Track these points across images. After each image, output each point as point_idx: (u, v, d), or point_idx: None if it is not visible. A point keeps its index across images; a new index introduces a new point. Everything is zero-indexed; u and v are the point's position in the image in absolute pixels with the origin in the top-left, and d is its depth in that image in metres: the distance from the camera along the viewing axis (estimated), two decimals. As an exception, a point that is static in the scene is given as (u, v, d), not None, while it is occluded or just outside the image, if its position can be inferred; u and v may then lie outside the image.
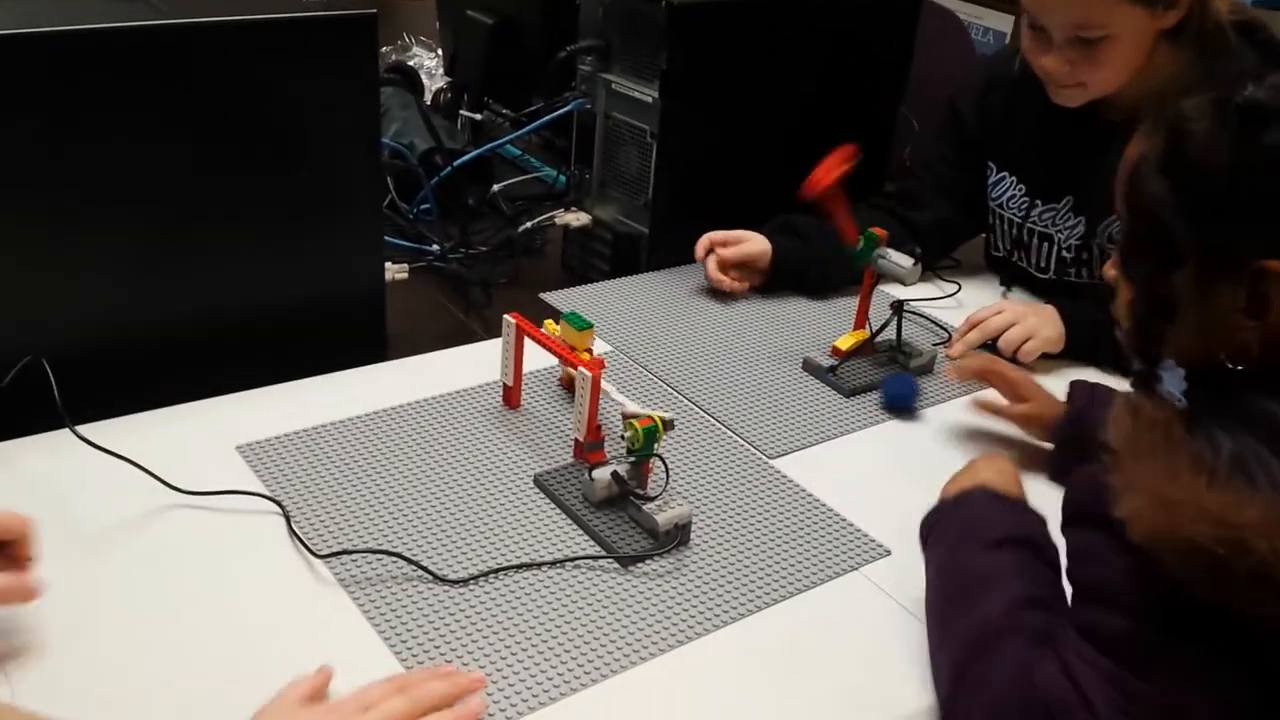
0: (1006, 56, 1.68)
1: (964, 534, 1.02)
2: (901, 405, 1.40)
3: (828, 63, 1.75)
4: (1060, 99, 1.51)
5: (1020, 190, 1.66)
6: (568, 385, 1.34)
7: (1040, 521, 1.03)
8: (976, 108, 1.70)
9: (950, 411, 1.41)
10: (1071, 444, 1.25)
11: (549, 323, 1.27)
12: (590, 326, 1.25)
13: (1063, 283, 1.64)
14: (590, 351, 1.24)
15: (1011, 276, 1.74)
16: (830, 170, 1.41)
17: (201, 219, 1.24)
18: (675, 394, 1.39)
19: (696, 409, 1.37)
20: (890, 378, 1.42)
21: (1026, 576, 0.96)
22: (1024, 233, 1.66)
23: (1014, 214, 1.67)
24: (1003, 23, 3.98)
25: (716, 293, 1.65)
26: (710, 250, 1.64)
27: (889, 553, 1.14)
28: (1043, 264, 1.66)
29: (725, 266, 1.64)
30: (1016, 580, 0.96)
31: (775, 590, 1.08)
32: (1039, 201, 1.63)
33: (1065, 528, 0.93)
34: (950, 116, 1.74)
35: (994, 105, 1.67)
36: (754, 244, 1.64)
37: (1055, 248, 1.63)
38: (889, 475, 1.28)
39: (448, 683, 0.90)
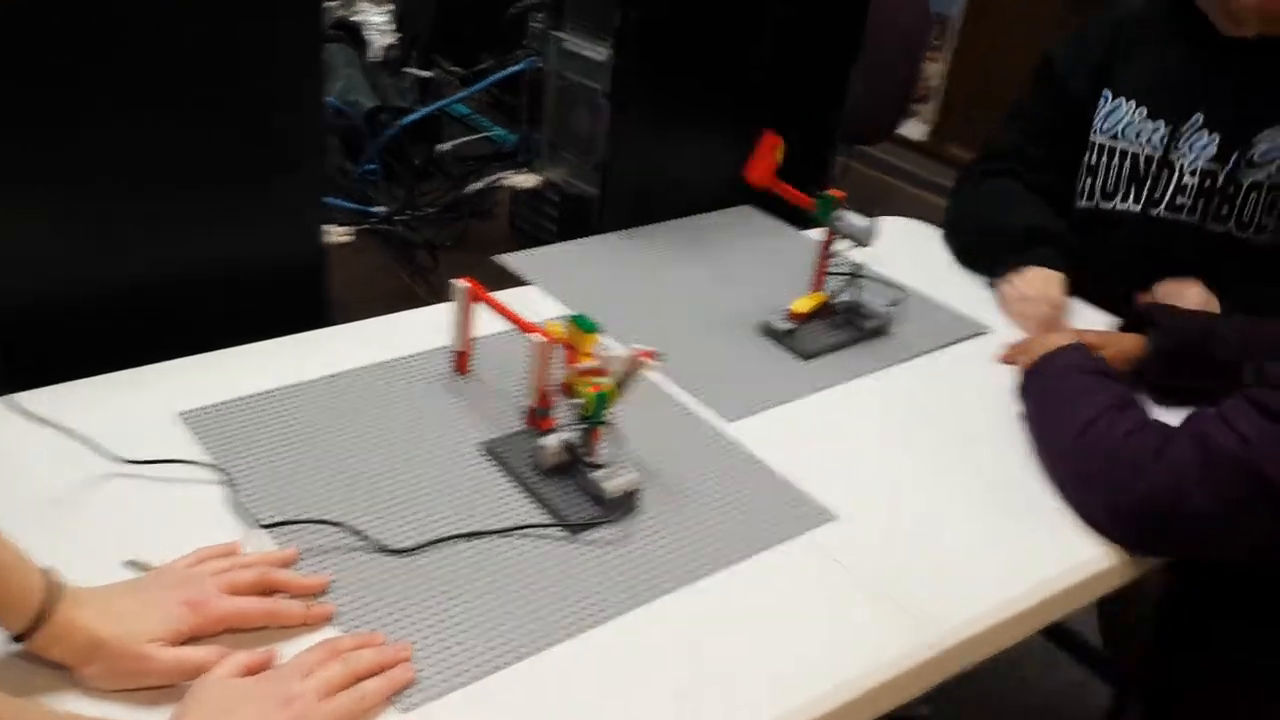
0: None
1: (1068, 367, 1.28)
2: None
3: (781, 21, 1.74)
4: (1232, 26, 1.49)
5: (1141, 114, 1.61)
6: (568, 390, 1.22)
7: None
8: (1082, 47, 1.67)
9: (902, 375, 1.42)
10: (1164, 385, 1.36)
11: (551, 323, 1.23)
12: (597, 329, 1.19)
13: (1162, 222, 1.61)
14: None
15: (1096, 234, 1.67)
16: (765, 160, 1.44)
17: (137, 181, 1.21)
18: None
19: (652, 373, 1.36)
20: None
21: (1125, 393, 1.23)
22: (1140, 163, 1.61)
23: (1129, 142, 1.62)
24: (958, -18, 3.96)
25: (671, 256, 1.63)
26: None
27: (836, 518, 1.15)
28: (1158, 195, 1.61)
29: None
30: (1121, 390, 1.23)
31: (721, 556, 1.08)
32: (1163, 123, 1.59)
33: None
34: (1043, 71, 1.70)
35: (1120, 37, 1.64)
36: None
37: (1176, 174, 1.59)
38: (842, 440, 1.28)
39: (376, 651, 0.91)
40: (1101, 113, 1.64)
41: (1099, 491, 1.15)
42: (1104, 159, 1.64)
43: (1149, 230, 1.61)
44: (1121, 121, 1.63)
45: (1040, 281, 1.55)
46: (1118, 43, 1.65)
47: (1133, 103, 1.62)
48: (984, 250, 1.66)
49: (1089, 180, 1.66)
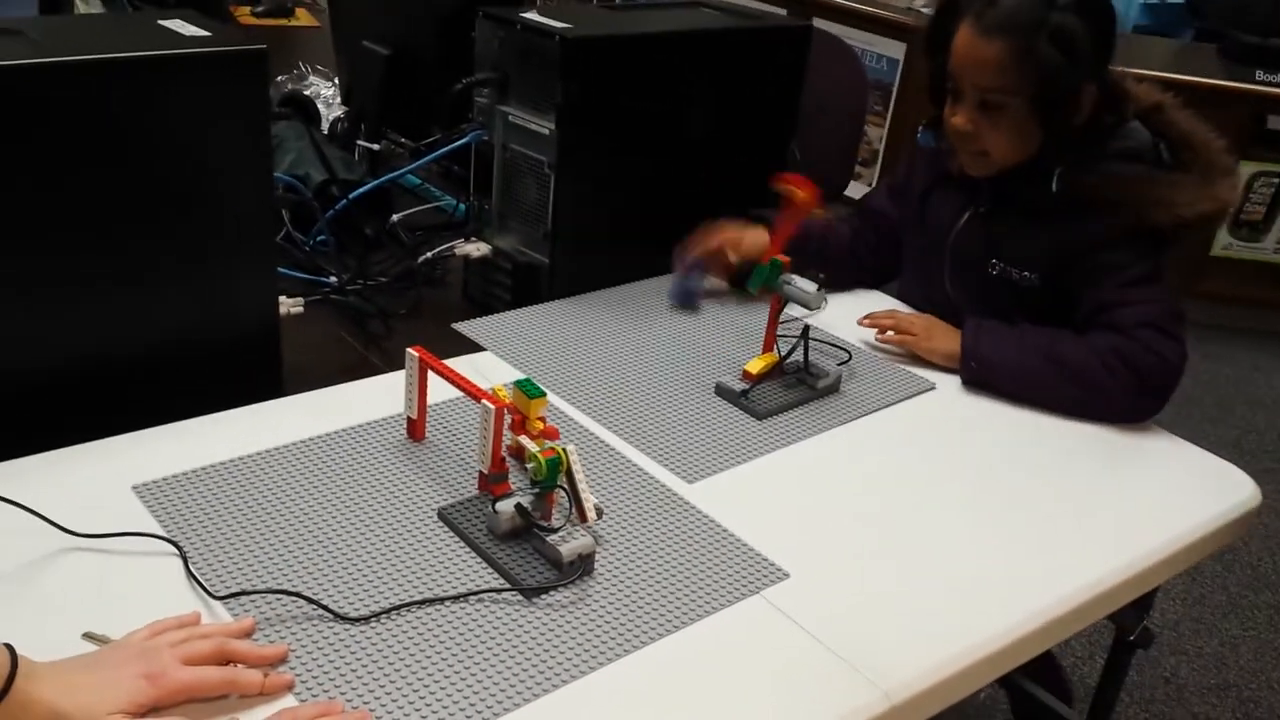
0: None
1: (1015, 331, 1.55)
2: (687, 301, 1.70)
3: (722, 93, 1.78)
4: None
5: None
6: (516, 454, 1.25)
7: None
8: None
9: (854, 432, 1.44)
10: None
11: (498, 388, 1.22)
12: (543, 395, 1.20)
13: None
14: (543, 420, 1.22)
15: None
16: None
17: (91, 257, 1.22)
18: (588, 421, 1.40)
19: (610, 436, 1.38)
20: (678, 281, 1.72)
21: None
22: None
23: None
24: (895, 50, 4.08)
25: (622, 320, 1.66)
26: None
27: (788, 575, 1.16)
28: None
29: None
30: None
31: (677, 617, 1.09)
32: None
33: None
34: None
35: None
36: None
37: None
38: (798, 497, 1.30)
39: (336, 718, 0.91)
40: None
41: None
42: None
43: None
44: None
45: None
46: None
47: None
48: None
49: None
